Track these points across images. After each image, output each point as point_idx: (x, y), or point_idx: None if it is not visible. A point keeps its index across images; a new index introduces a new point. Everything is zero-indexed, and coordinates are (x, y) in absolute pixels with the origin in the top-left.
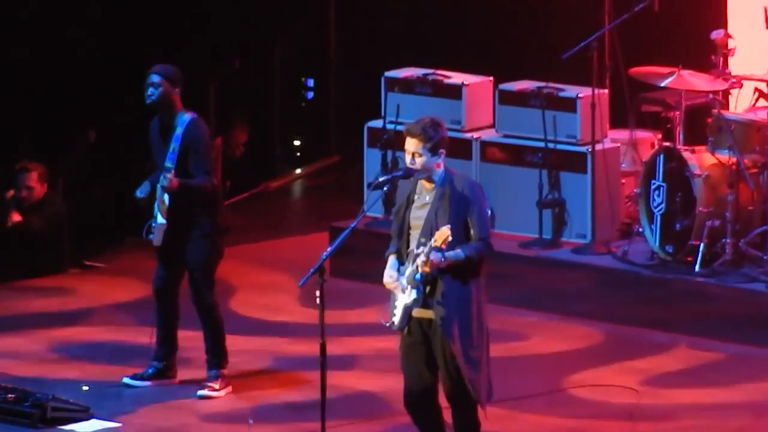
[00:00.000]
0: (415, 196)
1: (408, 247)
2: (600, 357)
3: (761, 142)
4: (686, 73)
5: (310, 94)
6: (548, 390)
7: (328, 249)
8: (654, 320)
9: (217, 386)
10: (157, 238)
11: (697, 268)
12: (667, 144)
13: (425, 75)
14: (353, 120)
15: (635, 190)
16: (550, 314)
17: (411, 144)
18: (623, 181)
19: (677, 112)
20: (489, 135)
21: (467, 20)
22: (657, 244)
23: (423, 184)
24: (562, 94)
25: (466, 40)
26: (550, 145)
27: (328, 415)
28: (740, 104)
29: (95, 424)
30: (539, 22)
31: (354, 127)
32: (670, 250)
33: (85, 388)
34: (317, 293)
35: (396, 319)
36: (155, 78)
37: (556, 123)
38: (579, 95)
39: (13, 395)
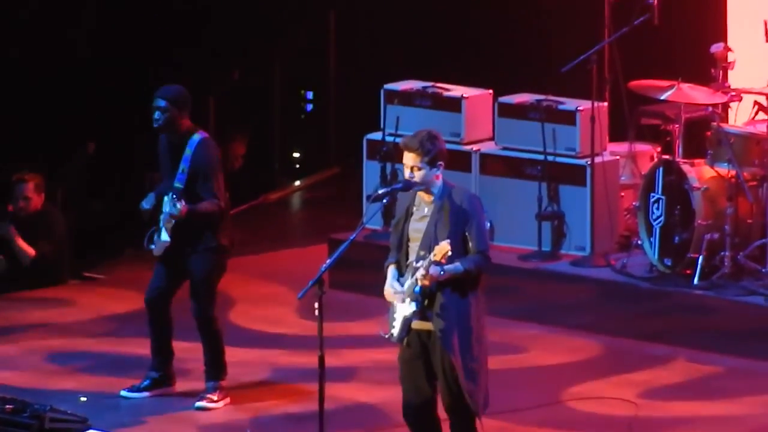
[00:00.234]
0: (414, 209)
1: (407, 259)
2: (598, 369)
3: (760, 155)
4: (686, 87)
5: (310, 107)
6: (547, 402)
7: (327, 261)
8: (653, 333)
9: (215, 398)
10: (158, 251)
11: (695, 280)
12: (666, 157)
13: (425, 87)
14: (352, 132)
15: (634, 203)
16: (549, 326)
17: (409, 158)
18: (622, 193)
19: (677, 125)
20: (488, 147)
21: (467, 33)
22: (656, 256)
23: (422, 197)
24: (561, 107)
25: (465, 52)
26: (550, 158)
27: (326, 426)
28: (740, 117)
29: None
30: (539, 35)
31: (353, 139)
32: (669, 263)
33: (83, 399)
34: (316, 305)
35: (395, 331)
36: (161, 103)
37: (556, 136)
38: (578, 108)
39: (11, 406)
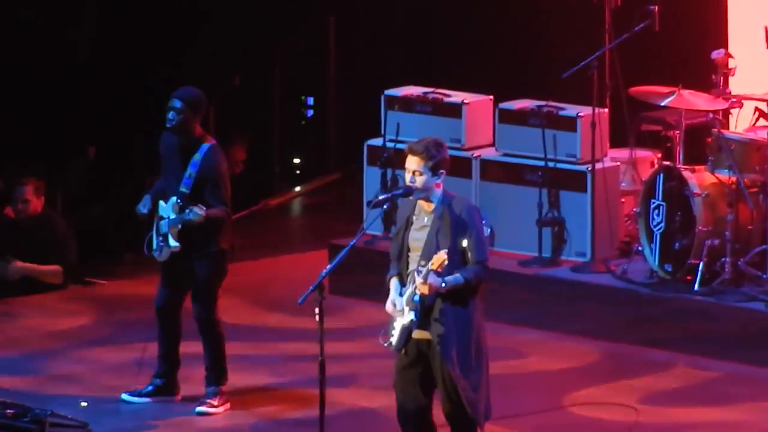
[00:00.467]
0: (414, 218)
1: (407, 268)
2: (599, 375)
3: (761, 162)
4: (686, 93)
5: (310, 112)
6: (547, 408)
7: (328, 266)
8: (653, 339)
9: (215, 403)
10: (164, 256)
11: (696, 287)
12: (666, 163)
13: (425, 93)
14: (353, 138)
15: (635, 209)
16: (549, 332)
17: (412, 162)
18: (623, 199)
19: (677, 132)
20: (489, 153)
21: (467, 39)
22: (656, 262)
23: (422, 206)
24: (562, 113)
25: (466, 58)
26: (550, 164)
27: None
28: (740, 124)
29: None
30: (539, 41)
31: (354, 145)
32: (670, 269)
33: (84, 403)
34: (316, 310)
35: (394, 340)
36: (177, 104)
37: (556, 142)
38: (579, 114)
39: (11, 411)
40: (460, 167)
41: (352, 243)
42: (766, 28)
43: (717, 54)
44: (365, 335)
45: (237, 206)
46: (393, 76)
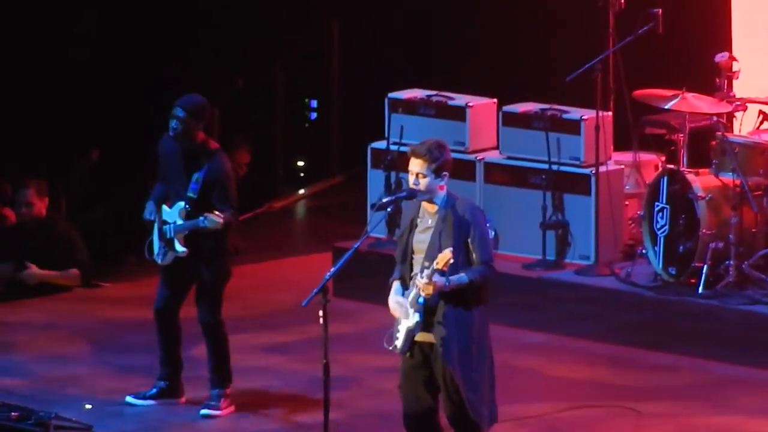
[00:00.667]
0: (418, 220)
1: (411, 271)
2: (602, 377)
3: (765, 165)
4: (690, 96)
5: (314, 115)
6: (551, 411)
7: (332, 269)
8: (656, 341)
9: (220, 406)
10: (167, 260)
11: (700, 290)
12: (670, 166)
13: (429, 96)
14: (357, 141)
15: (639, 212)
16: (553, 335)
17: (415, 165)
18: (627, 202)
19: (681, 135)
20: (493, 156)
21: (471, 41)
22: (660, 265)
23: (426, 208)
24: (566, 116)
25: (470, 61)
26: (554, 167)
27: None
28: (744, 127)
29: None
30: (543, 44)
31: (357, 148)
32: (673, 272)
33: (88, 406)
34: (320, 313)
35: (399, 343)
36: (180, 113)
37: (560, 145)
38: (583, 117)
39: (16, 413)
40: (463, 170)
41: (355, 246)
42: None
43: (721, 57)
44: (369, 338)
45: (241, 209)
46: (397, 79)
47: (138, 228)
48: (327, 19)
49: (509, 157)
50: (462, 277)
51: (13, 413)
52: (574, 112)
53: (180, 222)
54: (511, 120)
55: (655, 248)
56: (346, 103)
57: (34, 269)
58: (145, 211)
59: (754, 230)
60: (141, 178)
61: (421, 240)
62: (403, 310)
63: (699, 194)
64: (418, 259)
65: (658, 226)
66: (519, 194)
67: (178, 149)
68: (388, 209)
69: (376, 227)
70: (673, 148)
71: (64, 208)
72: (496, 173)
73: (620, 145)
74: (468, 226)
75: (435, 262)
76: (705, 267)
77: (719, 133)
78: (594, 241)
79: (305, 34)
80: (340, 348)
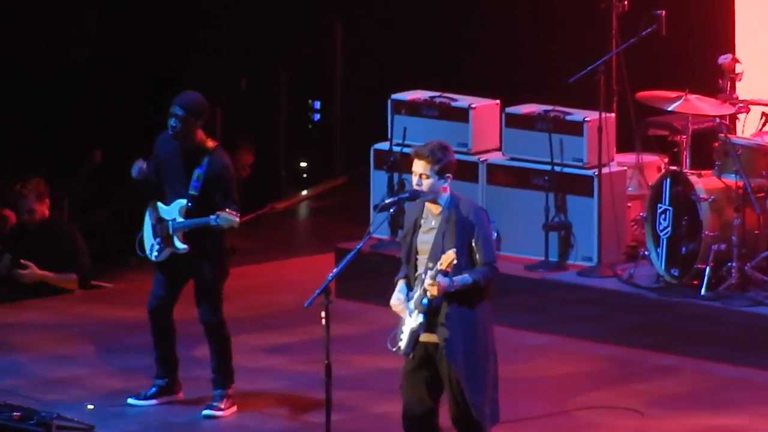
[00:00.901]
0: (422, 221)
1: (416, 271)
2: (605, 379)
3: None
4: (693, 98)
5: (317, 116)
6: (553, 412)
7: (334, 270)
8: (659, 343)
9: (222, 406)
10: (162, 257)
11: (702, 291)
12: (673, 168)
13: (432, 97)
14: (359, 142)
15: (641, 214)
16: (555, 336)
17: (419, 165)
18: (629, 204)
19: (684, 136)
20: (495, 158)
21: (474, 43)
22: (663, 267)
23: (429, 209)
24: (568, 117)
25: (472, 62)
26: (557, 169)
27: None
28: (747, 129)
29: None
30: (546, 45)
31: (360, 149)
32: (676, 274)
33: (90, 406)
34: (323, 314)
35: (402, 344)
36: (179, 111)
37: (563, 146)
38: (586, 119)
39: (18, 413)
40: (466, 171)
41: (358, 247)
42: None
43: (724, 59)
44: (372, 339)
45: (243, 210)
46: (400, 80)
47: (140, 229)
48: (330, 20)
49: (512, 159)
50: (465, 278)
51: (15, 413)
52: (577, 114)
53: (180, 219)
54: (514, 121)
55: (658, 250)
56: (349, 105)
57: (33, 269)
58: (133, 168)
59: (756, 232)
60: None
61: (424, 241)
62: (406, 310)
63: (702, 196)
64: (422, 259)
65: (661, 228)
66: (522, 195)
67: (177, 148)
68: (391, 210)
69: (378, 228)
70: (675, 149)
71: (66, 208)
72: (499, 174)
73: (623, 146)
74: (472, 227)
75: (438, 263)
76: (707, 269)
77: (722, 134)
78: (596, 243)
79: (308, 35)
80: (342, 349)
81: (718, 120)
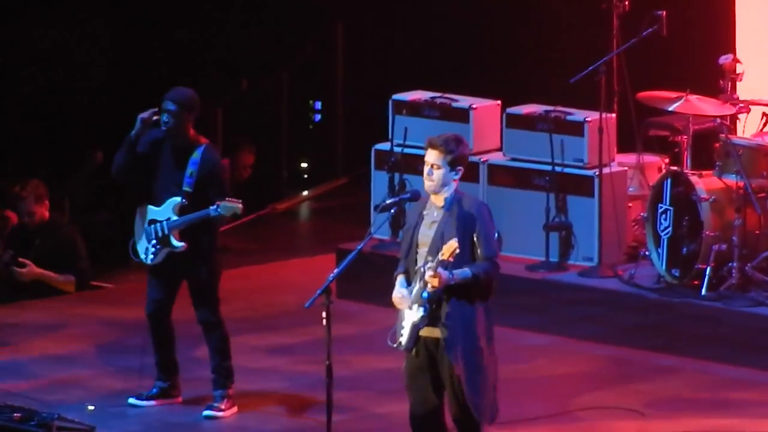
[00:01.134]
0: (425, 213)
1: (416, 265)
2: (606, 379)
3: None
4: (694, 98)
5: (318, 117)
6: (554, 412)
7: (335, 270)
8: (660, 343)
9: (223, 407)
10: (158, 260)
11: (703, 291)
12: (674, 168)
13: (433, 98)
14: (361, 142)
15: (642, 214)
16: (556, 337)
17: (431, 155)
18: (630, 204)
19: (685, 137)
20: (496, 158)
21: (475, 44)
22: (663, 267)
23: (433, 201)
24: (569, 117)
25: (474, 63)
26: (558, 169)
27: None
28: (748, 129)
29: None
30: (547, 45)
31: (361, 149)
32: (677, 274)
33: (91, 407)
34: (324, 314)
35: (403, 339)
36: (171, 106)
37: (564, 147)
38: (586, 119)
39: (18, 414)
40: (467, 172)
41: (359, 247)
42: None
43: (725, 59)
44: (372, 339)
45: (245, 210)
46: (401, 81)
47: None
48: (331, 21)
49: (513, 159)
50: (465, 271)
51: (15, 414)
52: (578, 114)
53: (174, 218)
54: (514, 122)
55: (659, 250)
56: (350, 105)
57: (31, 267)
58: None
59: (757, 232)
60: None
61: (426, 234)
62: (406, 304)
63: (702, 196)
64: (422, 253)
65: (662, 228)
66: (522, 196)
67: (167, 146)
68: (392, 211)
69: (379, 229)
70: (676, 150)
71: (67, 209)
72: (500, 175)
73: (624, 146)
74: (473, 221)
75: (440, 253)
76: (708, 269)
77: (723, 135)
78: (597, 243)
79: (310, 36)
80: (343, 349)
81: (718, 120)
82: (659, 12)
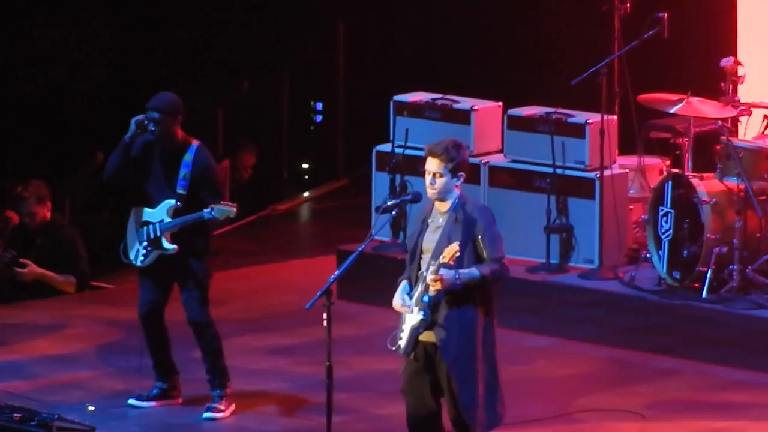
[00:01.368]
0: (429, 220)
1: (419, 270)
2: (606, 381)
3: None
4: (695, 100)
5: (319, 118)
6: (555, 414)
7: (336, 272)
8: (660, 346)
9: (222, 407)
10: (149, 262)
11: (704, 294)
12: (675, 170)
13: (434, 99)
14: (361, 144)
15: (643, 216)
16: (557, 338)
17: (432, 164)
18: (631, 206)
19: (686, 139)
20: (497, 160)
21: (476, 45)
22: (664, 269)
23: (438, 207)
24: (570, 119)
25: (475, 65)
26: (559, 171)
27: None
28: (749, 131)
29: None
30: (548, 47)
31: (362, 150)
32: (678, 276)
33: (91, 408)
34: (324, 316)
35: (402, 343)
36: (155, 115)
37: (565, 148)
38: (588, 121)
39: (18, 414)
40: (468, 173)
41: (360, 249)
42: None
43: (726, 62)
44: (373, 341)
45: (245, 211)
46: (402, 82)
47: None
48: (332, 21)
49: (514, 161)
50: (473, 271)
51: (15, 415)
52: (579, 116)
53: (168, 220)
54: (516, 123)
55: (660, 252)
56: (351, 106)
57: (32, 266)
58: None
59: (758, 235)
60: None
61: (431, 239)
62: (407, 309)
63: (703, 198)
64: (426, 258)
65: (663, 231)
66: (523, 198)
67: (158, 150)
68: (393, 212)
69: (380, 230)
70: (677, 152)
71: (68, 209)
72: (501, 176)
73: (625, 149)
74: (476, 223)
75: (441, 256)
76: (709, 271)
77: (724, 137)
78: (598, 245)
79: (310, 36)
80: (343, 350)
81: (720, 123)
82: (661, 14)
